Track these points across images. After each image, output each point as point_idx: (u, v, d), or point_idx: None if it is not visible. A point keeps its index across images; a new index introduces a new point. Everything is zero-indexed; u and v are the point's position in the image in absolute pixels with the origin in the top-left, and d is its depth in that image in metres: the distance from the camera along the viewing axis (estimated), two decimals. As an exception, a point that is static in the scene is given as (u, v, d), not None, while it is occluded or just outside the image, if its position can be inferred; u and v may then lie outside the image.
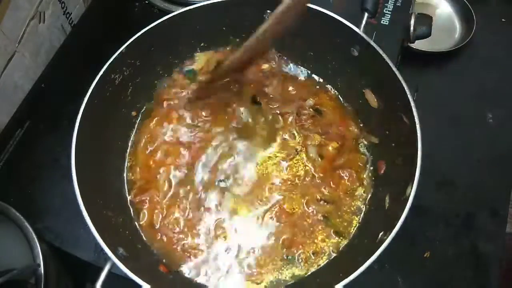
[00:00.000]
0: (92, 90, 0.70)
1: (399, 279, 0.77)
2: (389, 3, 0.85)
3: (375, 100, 0.78)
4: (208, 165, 0.79)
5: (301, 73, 0.89)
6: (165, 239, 0.74)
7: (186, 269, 0.72)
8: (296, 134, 0.82)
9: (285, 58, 0.89)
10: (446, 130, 0.91)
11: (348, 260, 0.68)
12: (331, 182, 0.77)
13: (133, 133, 0.83)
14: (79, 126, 0.67)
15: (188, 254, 0.73)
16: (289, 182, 0.78)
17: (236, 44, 0.85)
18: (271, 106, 0.84)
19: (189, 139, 0.81)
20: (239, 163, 0.79)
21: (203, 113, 0.83)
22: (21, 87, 0.93)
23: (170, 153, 0.80)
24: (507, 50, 1.02)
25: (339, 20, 0.73)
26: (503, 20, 1.08)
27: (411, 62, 0.92)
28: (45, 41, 0.98)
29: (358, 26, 0.74)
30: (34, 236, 0.71)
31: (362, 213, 0.75)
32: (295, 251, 0.72)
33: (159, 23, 0.76)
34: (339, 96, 0.86)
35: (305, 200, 0.76)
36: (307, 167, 0.79)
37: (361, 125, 0.83)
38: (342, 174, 0.78)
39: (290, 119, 0.83)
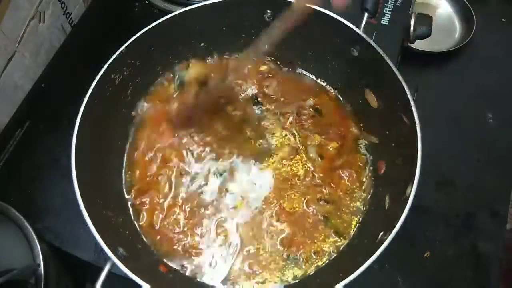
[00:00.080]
0: (92, 90, 0.70)
1: (399, 279, 0.77)
2: (389, 3, 0.86)
3: (375, 100, 0.78)
4: (208, 166, 0.79)
5: (301, 73, 0.89)
6: (165, 239, 0.74)
7: (187, 269, 0.72)
8: (296, 134, 0.82)
9: (285, 58, 0.89)
10: (446, 130, 0.91)
11: (348, 260, 0.68)
12: (331, 182, 0.78)
13: (131, 138, 0.82)
14: (79, 126, 0.67)
15: (189, 255, 0.73)
16: (289, 182, 0.78)
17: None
18: (270, 106, 0.84)
19: (189, 145, 0.81)
20: (238, 163, 0.79)
21: (195, 137, 0.80)
22: (21, 87, 0.93)
23: (168, 157, 0.80)
24: (507, 50, 1.02)
25: (339, 20, 0.73)
26: (503, 20, 1.08)
27: (411, 62, 0.92)
28: (45, 41, 0.98)
29: (358, 26, 0.74)
30: (34, 236, 0.71)
31: (362, 213, 0.75)
32: (295, 251, 0.73)
33: (159, 23, 0.76)
34: (339, 96, 0.86)
35: (305, 200, 0.76)
36: (307, 167, 0.79)
37: (361, 125, 0.83)
38: (342, 174, 0.78)
39: (290, 119, 0.83)
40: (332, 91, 0.86)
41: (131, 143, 0.82)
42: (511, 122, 0.93)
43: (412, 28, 0.82)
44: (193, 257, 0.73)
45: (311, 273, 0.71)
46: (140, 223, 0.75)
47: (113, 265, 0.60)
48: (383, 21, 0.84)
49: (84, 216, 0.62)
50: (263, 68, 0.88)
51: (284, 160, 0.79)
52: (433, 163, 0.83)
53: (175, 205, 0.76)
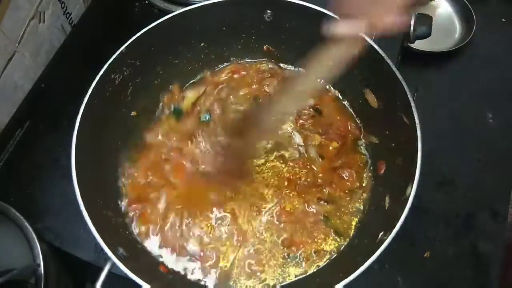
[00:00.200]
0: (92, 90, 0.70)
1: (399, 279, 0.76)
2: (389, 3, 0.85)
3: (375, 100, 0.78)
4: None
5: (301, 73, 0.89)
6: (164, 244, 0.74)
7: (187, 270, 0.72)
8: (297, 134, 0.82)
9: (285, 58, 0.89)
10: (446, 130, 0.91)
11: (348, 260, 0.68)
12: (331, 182, 0.77)
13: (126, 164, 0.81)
14: (79, 126, 0.68)
15: (189, 257, 0.73)
16: (289, 182, 0.78)
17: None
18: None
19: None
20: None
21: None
22: (21, 87, 0.93)
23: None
24: (507, 50, 1.02)
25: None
26: (503, 20, 1.08)
27: (411, 62, 0.92)
28: (45, 41, 0.97)
29: (358, 26, 0.73)
30: (34, 236, 0.71)
31: (362, 213, 0.75)
32: (295, 250, 0.73)
33: (159, 23, 0.76)
34: (339, 96, 0.86)
35: (305, 200, 0.76)
36: (307, 167, 0.79)
37: (361, 125, 0.83)
38: (342, 174, 0.78)
39: (290, 119, 0.83)
40: (332, 91, 0.86)
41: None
42: (511, 122, 0.93)
43: (412, 28, 0.82)
44: (193, 258, 0.73)
45: (311, 273, 0.71)
46: (136, 231, 0.75)
47: (113, 265, 0.60)
48: (383, 21, 0.83)
49: (84, 216, 0.62)
50: (264, 67, 0.88)
51: (285, 160, 0.79)
52: (433, 163, 0.83)
53: (173, 210, 0.76)
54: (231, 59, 0.90)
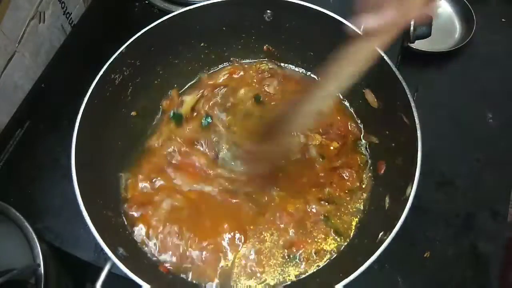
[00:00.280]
0: (92, 90, 0.70)
1: (399, 279, 0.76)
2: (389, 3, 0.85)
3: (375, 100, 0.78)
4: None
5: (301, 73, 0.89)
6: (164, 248, 0.73)
7: (188, 273, 0.72)
8: (297, 134, 0.82)
9: (285, 58, 0.89)
10: (446, 130, 0.91)
11: (348, 260, 0.68)
12: (331, 182, 0.77)
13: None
14: (79, 126, 0.67)
15: (189, 259, 0.73)
16: (289, 182, 0.78)
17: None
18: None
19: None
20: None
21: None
22: (21, 87, 0.93)
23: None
24: (507, 50, 1.02)
25: (339, 20, 0.73)
26: (503, 20, 1.08)
27: (411, 62, 0.92)
28: (45, 41, 0.97)
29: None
30: (34, 236, 0.71)
31: (362, 213, 0.75)
32: (296, 250, 0.73)
33: (159, 23, 0.76)
34: (339, 96, 0.86)
35: (305, 200, 0.76)
36: (307, 167, 0.79)
37: (361, 125, 0.83)
38: (342, 174, 0.78)
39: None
40: (332, 91, 0.86)
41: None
42: (511, 122, 0.93)
43: (412, 28, 0.82)
44: (194, 260, 0.72)
45: (311, 273, 0.71)
46: (135, 237, 0.74)
47: (113, 265, 0.60)
48: (383, 21, 0.83)
49: (84, 216, 0.62)
50: (264, 67, 0.88)
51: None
52: (433, 163, 0.83)
53: (174, 216, 0.76)
54: (231, 59, 0.90)
